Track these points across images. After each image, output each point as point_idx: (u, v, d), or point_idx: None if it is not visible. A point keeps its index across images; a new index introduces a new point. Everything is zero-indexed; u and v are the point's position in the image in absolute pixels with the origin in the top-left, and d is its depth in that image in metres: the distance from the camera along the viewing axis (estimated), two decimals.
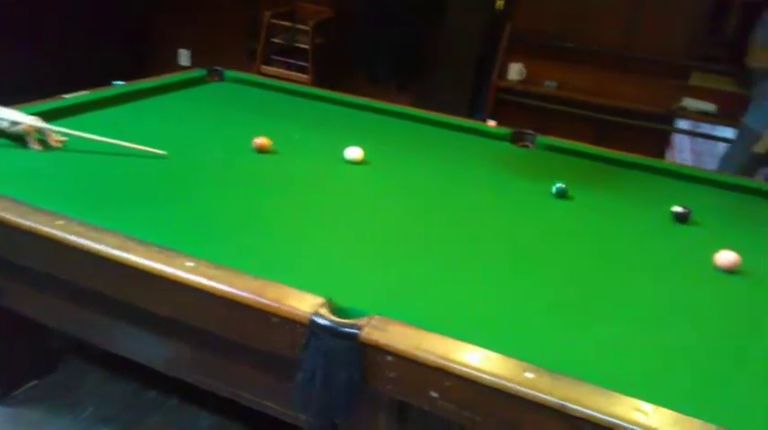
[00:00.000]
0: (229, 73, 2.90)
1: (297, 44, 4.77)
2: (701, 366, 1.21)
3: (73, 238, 1.33)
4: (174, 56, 5.60)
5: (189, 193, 1.70)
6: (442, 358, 1.08)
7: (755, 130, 2.92)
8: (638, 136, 4.37)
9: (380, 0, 4.57)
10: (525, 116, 4.49)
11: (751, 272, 1.58)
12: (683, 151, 6.24)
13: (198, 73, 2.82)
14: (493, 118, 4.51)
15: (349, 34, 4.85)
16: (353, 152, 2.04)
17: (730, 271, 1.57)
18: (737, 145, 3.11)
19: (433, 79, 4.63)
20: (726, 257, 1.56)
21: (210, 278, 1.22)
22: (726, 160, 3.17)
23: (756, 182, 2.64)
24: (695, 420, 0.99)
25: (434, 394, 1.10)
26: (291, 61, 4.88)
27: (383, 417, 1.26)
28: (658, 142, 4.59)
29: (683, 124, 5.22)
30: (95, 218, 1.41)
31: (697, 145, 6.03)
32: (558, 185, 1.96)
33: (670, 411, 1.01)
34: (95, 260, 1.31)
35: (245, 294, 1.19)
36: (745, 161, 2.98)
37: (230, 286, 1.20)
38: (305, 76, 4.68)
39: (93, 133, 1.86)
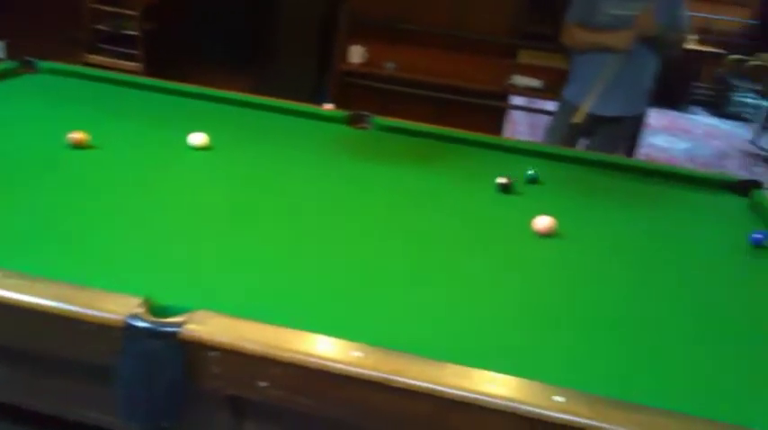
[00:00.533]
0: (44, 64, 2.66)
1: (125, 31, 4.49)
2: (523, 327, 1.29)
3: None
4: None
5: None
6: (267, 346, 1.06)
7: (572, 103, 3.15)
8: (476, 113, 4.58)
9: None
10: (370, 98, 4.54)
11: (565, 234, 1.70)
12: (520, 125, 6.66)
13: (7, 65, 2.57)
14: (338, 101, 4.53)
15: (182, 18, 4.63)
16: (197, 138, 1.99)
17: (547, 234, 1.68)
18: (558, 117, 3.34)
19: (275, 64, 4.55)
20: (541, 222, 1.67)
21: (8, 288, 1.11)
22: (549, 132, 3.39)
23: (576, 151, 2.85)
24: (512, 378, 1.05)
25: (263, 383, 1.08)
26: (120, 49, 4.58)
27: (220, 416, 1.22)
28: (497, 118, 4.84)
29: (519, 100, 5.56)
30: None
31: (534, 119, 6.46)
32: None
33: (488, 372, 1.06)
34: None
35: (48, 303, 1.09)
36: (565, 132, 3.20)
37: (31, 295, 1.10)
38: (135, 65, 4.42)
39: None
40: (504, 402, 1.00)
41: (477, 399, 1.01)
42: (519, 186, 1.99)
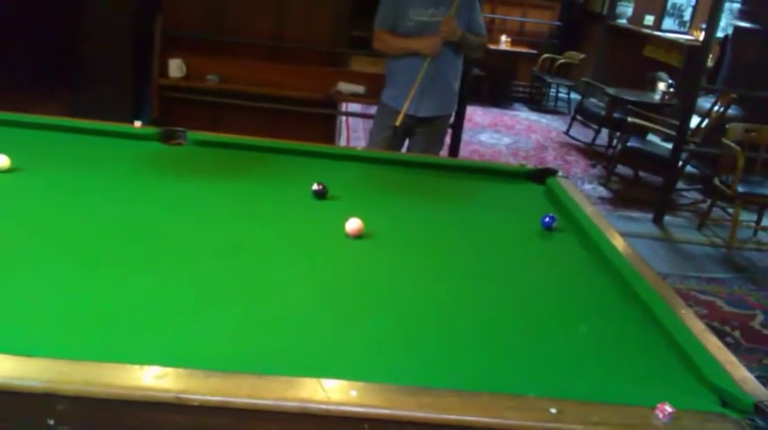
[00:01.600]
0: None
1: None
2: (326, 325, 1.33)
3: None
4: None
5: None
6: (49, 382, 1.01)
7: (390, 105, 3.30)
8: (308, 122, 4.62)
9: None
10: (196, 113, 4.44)
11: (374, 234, 1.78)
12: (356, 131, 6.82)
13: None
14: (163, 118, 4.37)
15: None
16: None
17: (356, 236, 1.74)
18: (379, 120, 3.46)
19: (88, 85, 4.30)
20: (350, 225, 1.73)
21: None
22: (372, 136, 3.51)
23: (390, 153, 2.97)
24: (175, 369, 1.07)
25: (51, 421, 1.03)
26: None
27: None
28: (328, 126, 4.91)
29: (353, 107, 5.68)
30: None
31: (369, 124, 6.64)
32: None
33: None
34: None
35: None
36: (388, 134, 3.33)
37: None
38: None
39: None
40: (297, 403, 1.04)
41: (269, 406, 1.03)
42: (336, 191, 2.04)
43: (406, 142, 3.52)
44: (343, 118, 5.95)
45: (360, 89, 4.31)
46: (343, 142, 5.79)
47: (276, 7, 4.41)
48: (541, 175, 2.47)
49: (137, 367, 1.06)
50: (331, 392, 1.06)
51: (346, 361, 1.20)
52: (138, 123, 2.51)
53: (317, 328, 1.32)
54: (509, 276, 1.69)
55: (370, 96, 4.16)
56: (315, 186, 2.02)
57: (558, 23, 9.36)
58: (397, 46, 3.21)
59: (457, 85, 3.40)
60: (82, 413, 1.03)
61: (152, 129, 2.47)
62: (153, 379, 1.04)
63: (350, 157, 2.51)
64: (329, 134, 4.88)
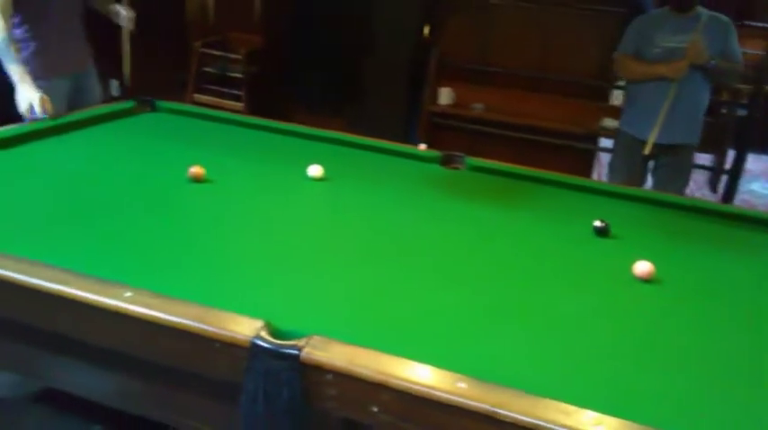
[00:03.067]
0: (162, 103, 2.90)
1: (229, 73, 4.80)
2: (617, 368, 1.30)
3: (7, 273, 1.32)
4: (106, 86, 5.49)
5: (125, 224, 1.71)
6: (379, 373, 1.13)
7: (630, 134, 3.17)
8: (563, 155, 4.57)
9: (309, 29, 4.66)
10: (456, 139, 4.64)
11: (662, 280, 1.70)
12: (606, 167, 6.57)
13: (127, 104, 2.81)
14: (427, 141, 4.63)
15: (281, 62, 4.90)
16: (314, 170, 2.17)
17: (646, 279, 1.68)
18: (620, 152, 3.30)
19: (366, 105, 4.73)
20: (641, 267, 1.68)
21: (149, 307, 1.24)
22: (614, 169, 3.36)
23: (668, 195, 2.81)
24: (613, 419, 1.07)
25: (375, 409, 1.15)
26: (225, 90, 4.89)
27: None
28: (585, 160, 4.81)
29: (606, 142, 5.50)
30: (29, 251, 1.40)
31: None
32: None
33: (591, 411, 1.08)
34: (32, 294, 1.30)
35: (185, 321, 1.21)
36: (630, 166, 3.20)
37: (170, 314, 1.22)
38: (239, 104, 4.70)
39: (24, 167, 1.84)
40: None
41: None
42: (617, 231, 2.00)
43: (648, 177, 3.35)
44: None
45: None
46: (595, 176, 5.62)
47: (541, 38, 4.46)
48: None
49: (450, 374, 1.14)
50: None
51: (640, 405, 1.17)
52: (422, 146, 2.70)
53: (610, 366, 1.30)
54: None
55: None
56: (597, 223, 1.99)
57: None
58: (641, 71, 3.12)
59: (703, 113, 3.19)
60: (400, 407, 1.13)
61: (433, 153, 2.64)
62: (467, 387, 1.11)
63: (630, 197, 2.43)
64: (584, 169, 4.77)
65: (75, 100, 2.87)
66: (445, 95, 4.52)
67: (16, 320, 1.42)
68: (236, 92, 4.81)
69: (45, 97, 2.40)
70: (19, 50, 2.51)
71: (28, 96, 2.38)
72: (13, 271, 1.33)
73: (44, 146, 2.23)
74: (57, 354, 1.53)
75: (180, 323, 1.21)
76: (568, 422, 1.05)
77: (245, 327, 1.20)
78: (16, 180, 1.92)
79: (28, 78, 2.43)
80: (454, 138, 4.58)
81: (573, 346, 1.36)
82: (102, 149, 2.30)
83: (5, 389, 2.05)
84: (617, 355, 1.35)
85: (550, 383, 1.17)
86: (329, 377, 1.15)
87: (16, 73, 2.41)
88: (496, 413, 1.07)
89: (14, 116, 2.43)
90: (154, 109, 2.86)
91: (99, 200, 1.84)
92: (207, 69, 4.87)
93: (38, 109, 2.36)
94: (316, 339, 1.19)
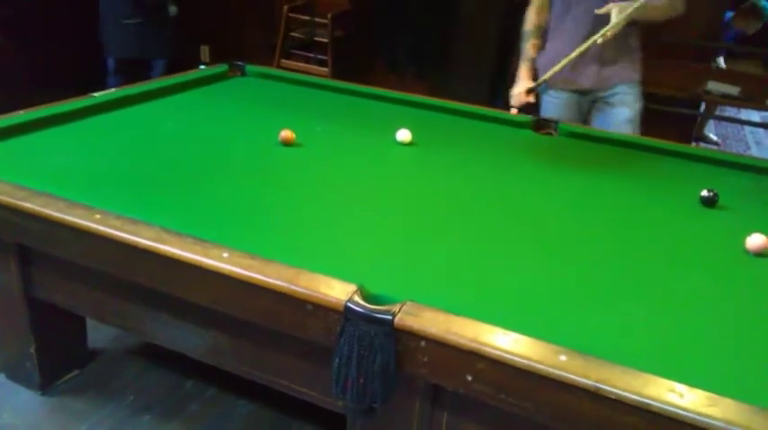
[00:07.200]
0: (251, 68, 2.92)
1: (316, 38, 4.80)
2: (731, 347, 1.21)
3: (111, 232, 1.37)
4: (197, 52, 5.64)
5: (219, 186, 1.73)
6: (474, 341, 1.10)
7: None
8: (663, 120, 4.32)
9: None
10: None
11: None
12: (707, 133, 6.18)
13: (220, 68, 2.85)
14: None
15: (367, 25, 4.86)
16: (403, 134, 2.15)
17: (761, 254, 1.56)
18: None
19: (452, 71, 4.62)
20: (755, 240, 1.56)
21: (246, 268, 1.25)
22: None
23: None
24: (729, 400, 1.00)
25: (468, 377, 1.12)
26: (311, 55, 4.90)
27: (419, 401, 1.28)
28: (685, 126, 4.53)
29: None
30: (131, 211, 1.45)
31: (721, 128, 5.97)
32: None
33: (704, 392, 1.01)
34: (133, 252, 1.34)
35: (280, 283, 1.21)
36: None
37: (265, 275, 1.23)
38: (324, 69, 4.70)
39: (123, 130, 1.90)
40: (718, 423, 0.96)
41: (689, 418, 0.97)
42: (726, 201, 1.86)
43: None
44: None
45: (734, 90, 3.87)
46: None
47: None
48: None
49: (549, 345, 1.10)
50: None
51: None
52: (514, 111, 2.61)
53: (723, 346, 1.21)
54: None
55: (746, 100, 3.70)
56: (704, 192, 1.86)
57: None
58: None
59: None
60: (496, 377, 1.10)
61: (525, 117, 2.55)
62: (568, 360, 1.06)
63: (738, 165, 2.26)
64: (684, 136, 4.50)
65: None
66: None
67: (118, 277, 1.48)
68: (321, 56, 4.80)
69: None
70: None
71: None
72: (118, 229, 1.37)
73: (142, 109, 2.29)
74: (155, 311, 1.58)
75: (274, 284, 1.22)
76: (681, 402, 0.99)
77: (338, 291, 1.19)
78: (118, 141, 1.98)
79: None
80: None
81: (684, 324, 1.27)
82: (198, 113, 2.35)
83: (106, 341, 2.16)
84: (731, 334, 1.26)
85: (660, 362, 1.10)
86: (422, 344, 1.13)
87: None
88: (600, 389, 1.02)
89: None
90: (244, 74, 2.90)
91: (194, 162, 1.88)
92: (294, 34, 4.89)
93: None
94: (409, 305, 1.17)
